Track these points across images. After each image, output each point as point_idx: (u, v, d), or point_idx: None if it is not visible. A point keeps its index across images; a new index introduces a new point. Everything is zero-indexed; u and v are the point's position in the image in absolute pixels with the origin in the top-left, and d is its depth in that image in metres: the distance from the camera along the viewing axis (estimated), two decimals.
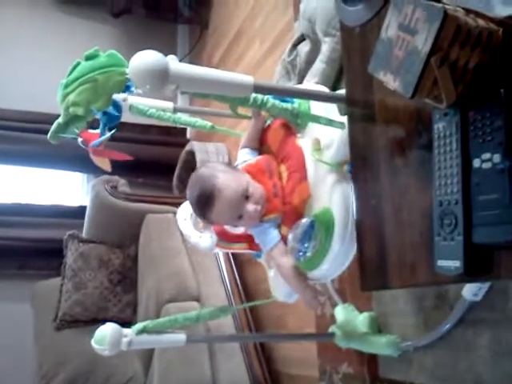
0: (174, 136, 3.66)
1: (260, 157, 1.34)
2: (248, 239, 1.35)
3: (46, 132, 1.23)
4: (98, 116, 1.22)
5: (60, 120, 1.16)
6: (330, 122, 1.18)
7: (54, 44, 3.56)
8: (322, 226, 1.16)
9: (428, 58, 0.71)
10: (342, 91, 1.17)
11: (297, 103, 1.24)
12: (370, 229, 1.03)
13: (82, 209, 3.16)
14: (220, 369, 2.31)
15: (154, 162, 3.39)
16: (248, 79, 1.05)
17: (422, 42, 0.72)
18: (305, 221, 1.18)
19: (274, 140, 1.32)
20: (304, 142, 1.28)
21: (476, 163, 0.76)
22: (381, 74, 0.81)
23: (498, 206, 0.73)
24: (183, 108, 1.77)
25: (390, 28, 0.79)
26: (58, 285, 2.92)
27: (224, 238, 1.38)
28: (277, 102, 1.17)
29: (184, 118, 1.50)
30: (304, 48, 2.01)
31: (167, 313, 2.37)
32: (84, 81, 1.06)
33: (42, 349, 2.87)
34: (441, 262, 0.81)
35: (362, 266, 1.05)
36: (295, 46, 2.10)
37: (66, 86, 1.09)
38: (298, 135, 1.30)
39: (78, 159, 3.09)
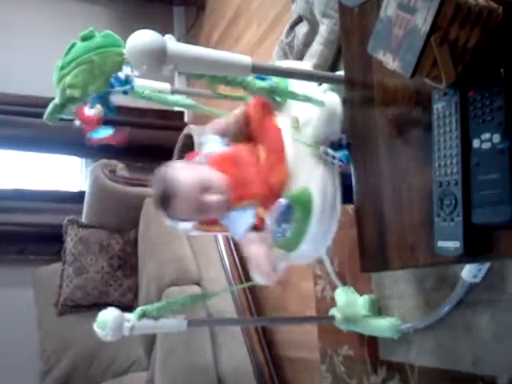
0: (172, 120, 3.64)
1: (228, 148, 1.30)
2: None
3: (43, 116, 1.22)
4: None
5: (56, 101, 1.14)
6: (308, 99, 1.16)
7: (50, 27, 3.52)
8: (300, 207, 1.15)
9: (428, 37, 0.70)
10: (340, 72, 1.16)
11: (275, 81, 1.19)
12: (370, 210, 1.03)
13: (82, 194, 3.15)
14: (222, 352, 2.31)
15: (152, 145, 3.37)
16: (246, 59, 1.04)
17: (422, 20, 0.71)
18: (282, 202, 1.17)
19: (253, 117, 1.28)
20: (283, 120, 1.24)
21: (476, 143, 0.76)
22: (380, 53, 0.80)
23: (497, 186, 0.73)
24: (181, 89, 1.74)
25: (389, 7, 0.78)
26: (59, 270, 2.93)
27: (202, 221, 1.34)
28: (255, 80, 1.14)
29: (182, 100, 1.48)
30: (302, 29, 1.99)
31: (168, 297, 2.37)
32: (80, 62, 1.05)
33: (45, 334, 2.89)
34: (441, 243, 0.81)
35: (361, 247, 1.05)
36: (293, 27, 2.07)
37: (62, 67, 1.07)
38: (278, 113, 1.26)
39: (76, 144, 3.08)
